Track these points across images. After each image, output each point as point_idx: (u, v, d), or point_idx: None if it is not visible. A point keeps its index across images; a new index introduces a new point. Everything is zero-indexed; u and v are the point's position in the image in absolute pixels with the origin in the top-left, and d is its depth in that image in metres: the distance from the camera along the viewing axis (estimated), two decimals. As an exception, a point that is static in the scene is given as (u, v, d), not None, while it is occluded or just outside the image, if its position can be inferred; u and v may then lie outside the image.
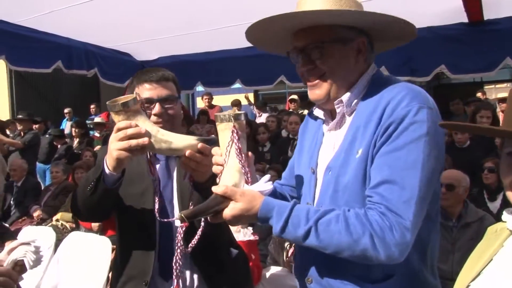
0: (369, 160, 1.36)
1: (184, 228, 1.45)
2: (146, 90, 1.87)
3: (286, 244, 3.51)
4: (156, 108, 1.84)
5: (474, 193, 4.38)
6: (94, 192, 1.70)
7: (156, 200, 1.80)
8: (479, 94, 11.34)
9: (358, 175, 1.38)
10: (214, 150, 1.52)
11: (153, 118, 1.83)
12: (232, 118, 1.42)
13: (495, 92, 17.32)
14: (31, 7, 3.99)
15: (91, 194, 1.71)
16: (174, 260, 1.56)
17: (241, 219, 1.37)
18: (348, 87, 1.49)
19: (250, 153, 1.50)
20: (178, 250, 1.53)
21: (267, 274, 3.39)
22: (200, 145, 1.59)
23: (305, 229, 1.31)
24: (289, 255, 3.45)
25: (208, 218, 1.42)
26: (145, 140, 1.53)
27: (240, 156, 1.42)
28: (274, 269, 3.46)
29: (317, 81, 1.50)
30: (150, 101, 1.86)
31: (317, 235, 1.30)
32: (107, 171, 1.67)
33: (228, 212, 1.36)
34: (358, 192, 1.38)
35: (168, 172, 1.94)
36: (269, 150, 6.67)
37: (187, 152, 1.58)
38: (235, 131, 1.42)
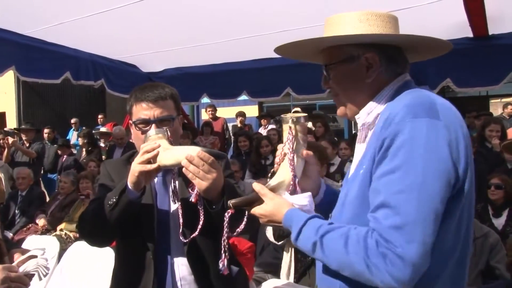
0: (368, 178, 1.33)
1: (229, 214, 1.53)
2: (143, 110, 1.87)
3: None
4: (152, 129, 1.84)
5: (479, 208, 4.35)
6: (115, 207, 1.75)
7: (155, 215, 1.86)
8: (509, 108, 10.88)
9: (359, 192, 1.36)
10: (279, 146, 1.62)
11: None
12: (290, 120, 1.53)
13: (500, 106, 17.27)
14: (41, 19, 4.05)
15: (112, 209, 1.75)
16: (222, 240, 1.60)
17: (266, 219, 1.48)
18: (368, 101, 1.47)
19: (306, 152, 1.57)
20: (226, 235, 1.58)
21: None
22: (199, 152, 1.62)
23: (311, 242, 1.33)
24: None
25: (247, 211, 1.54)
26: (154, 153, 1.66)
27: (290, 155, 1.52)
28: (275, 282, 3.42)
29: (335, 99, 1.57)
30: (146, 122, 1.87)
31: (322, 250, 1.31)
32: (129, 186, 1.73)
33: (256, 209, 1.49)
34: (358, 209, 1.36)
35: (164, 186, 1.96)
36: (272, 163, 6.54)
37: (184, 157, 1.62)
38: (291, 133, 1.53)
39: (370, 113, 1.46)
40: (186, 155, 1.61)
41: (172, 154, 1.67)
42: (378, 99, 1.45)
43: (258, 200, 1.50)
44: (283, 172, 1.53)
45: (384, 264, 1.19)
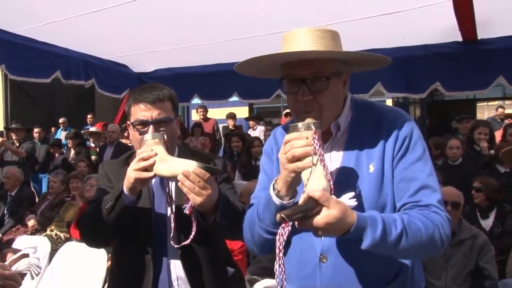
0: (387, 173, 1.56)
1: (286, 229, 1.32)
2: (141, 111, 1.89)
3: None
4: (150, 130, 1.86)
5: (467, 210, 4.41)
6: (112, 211, 1.76)
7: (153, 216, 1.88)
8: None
9: (377, 186, 1.56)
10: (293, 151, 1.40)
11: None
12: (312, 126, 1.40)
13: (487, 109, 17.52)
14: (31, 18, 4.02)
15: (108, 213, 1.77)
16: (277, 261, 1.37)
17: (332, 228, 1.32)
18: (338, 113, 1.63)
19: None
20: (281, 254, 1.35)
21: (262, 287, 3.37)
22: (195, 168, 1.63)
23: (397, 233, 1.41)
24: None
25: (296, 223, 1.33)
26: (150, 162, 1.68)
27: (323, 162, 1.38)
28: (268, 282, 3.44)
29: (313, 112, 1.54)
30: (144, 123, 1.89)
31: (406, 237, 1.42)
32: (125, 190, 1.75)
33: (322, 219, 1.30)
34: (376, 201, 1.55)
35: (162, 187, 1.97)
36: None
37: (181, 172, 1.63)
38: (317, 138, 1.38)
39: (342, 125, 1.63)
40: (183, 170, 1.63)
41: (169, 167, 1.69)
42: (347, 110, 1.65)
43: (312, 209, 1.30)
44: (319, 180, 1.36)
45: (447, 227, 1.51)
